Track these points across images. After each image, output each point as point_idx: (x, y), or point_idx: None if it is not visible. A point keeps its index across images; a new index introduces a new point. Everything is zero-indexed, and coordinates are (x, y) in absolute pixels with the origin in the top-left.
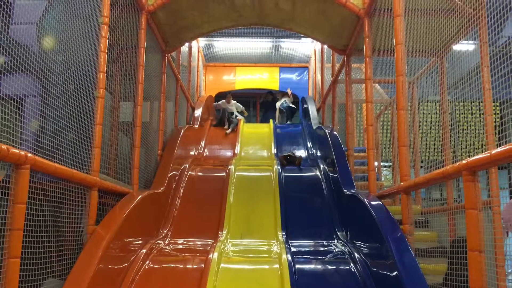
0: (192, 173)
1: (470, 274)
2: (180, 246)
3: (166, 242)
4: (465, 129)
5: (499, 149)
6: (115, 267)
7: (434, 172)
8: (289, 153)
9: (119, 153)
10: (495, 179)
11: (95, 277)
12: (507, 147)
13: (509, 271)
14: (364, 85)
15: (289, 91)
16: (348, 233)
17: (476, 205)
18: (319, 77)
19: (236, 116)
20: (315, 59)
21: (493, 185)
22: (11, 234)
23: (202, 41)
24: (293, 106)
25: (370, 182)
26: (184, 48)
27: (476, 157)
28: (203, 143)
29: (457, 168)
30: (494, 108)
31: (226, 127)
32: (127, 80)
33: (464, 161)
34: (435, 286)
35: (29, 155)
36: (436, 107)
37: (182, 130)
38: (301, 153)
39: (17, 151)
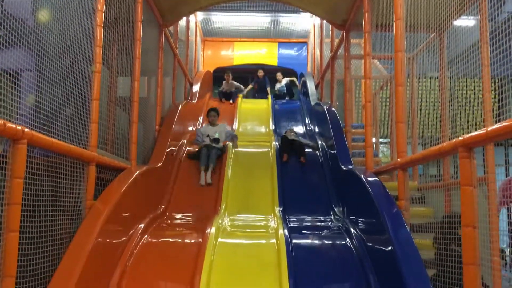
0: (190, 148)
1: (464, 249)
2: (178, 221)
3: (164, 217)
4: (463, 106)
5: (495, 126)
6: (114, 241)
7: (430, 149)
8: (294, 138)
9: (117, 128)
10: (492, 156)
11: (93, 250)
12: (503, 124)
13: (504, 246)
14: (362, 60)
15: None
16: (345, 208)
17: (471, 181)
18: (318, 52)
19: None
20: (314, 34)
21: (489, 162)
22: (10, 209)
23: (200, 15)
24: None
25: (367, 158)
26: (182, 22)
27: (472, 134)
28: (201, 118)
29: (453, 145)
30: (492, 84)
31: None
32: (124, 54)
33: (460, 138)
34: (430, 261)
35: (26, 130)
36: (435, 84)
37: (180, 106)
38: (299, 129)
39: (13, 126)
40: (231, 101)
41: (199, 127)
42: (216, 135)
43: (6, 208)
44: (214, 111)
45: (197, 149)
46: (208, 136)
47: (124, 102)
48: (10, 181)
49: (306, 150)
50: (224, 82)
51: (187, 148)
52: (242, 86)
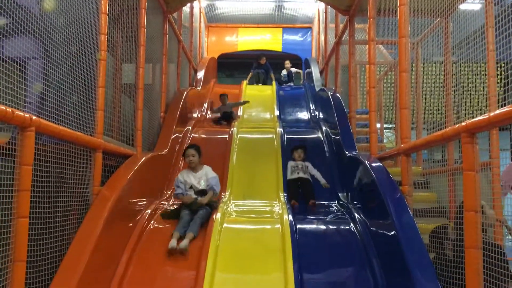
0: (195, 135)
1: (466, 233)
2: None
3: (170, 203)
4: (469, 90)
5: (497, 111)
6: (121, 227)
7: (434, 134)
8: (301, 176)
9: (122, 115)
10: (496, 141)
11: (101, 236)
12: (506, 109)
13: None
14: (367, 46)
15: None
16: (349, 194)
17: (474, 166)
18: (322, 38)
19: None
20: (319, 20)
21: (493, 147)
22: (19, 195)
23: (204, 1)
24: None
25: (371, 144)
26: (186, 8)
27: (475, 119)
28: (205, 105)
29: (456, 130)
30: (498, 69)
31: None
32: (129, 41)
33: (463, 123)
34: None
35: (34, 117)
36: (440, 69)
37: (185, 92)
38: (303, 115)
39: (22, 113)
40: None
41: (180, 174)
42: (202, 185)
43: (16, 194)
44: (193, 148)
45: (176, 206)
46: (191, 187)
47: (129, 89)
48: (19, 168)
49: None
50: (221, 107)
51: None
52: (239, 103)
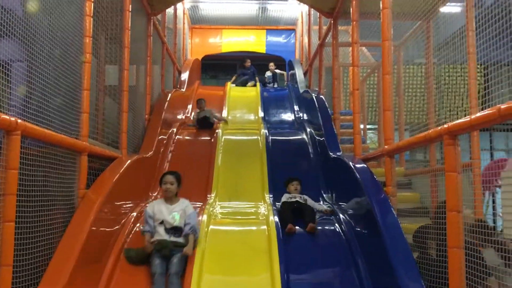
0: (180, 137)
1: (449, 233)
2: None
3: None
4: (450, 92)
5: (478, 114)
6: (107, 229)
7: (417, 136)
8: (300, 201)
9: (107, 117)
10: (477, 142)
11: (88, 239)
12: (486, 113)
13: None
14: (350, 48)
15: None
16: (334, 195)
17: (455, 167)
18: (306, 40)
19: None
20: (302, 22)
21: (474, 148)
22: (5, 199)
23: (187, 3)
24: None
25: (355, 145)
26: (170, 10)
27: (456, 121)
28: (190, 107)
29: (438, 132)
30: (479, 71)
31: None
32: (112, 43)
33: (445, 126)
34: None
35: (19, 121)
36: (421, 71)
37: (169, 94)
38: (288, 116)
39: (7, 117)
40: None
41: (148, 205)
42: (176, 221)
43: (2, 198)
44: (173, 175)
45: (145, 244)
46: (162, 222)
47: (113, 91)
48: (4, 172)
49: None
50: (195, 112)
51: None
52: (219, 117)
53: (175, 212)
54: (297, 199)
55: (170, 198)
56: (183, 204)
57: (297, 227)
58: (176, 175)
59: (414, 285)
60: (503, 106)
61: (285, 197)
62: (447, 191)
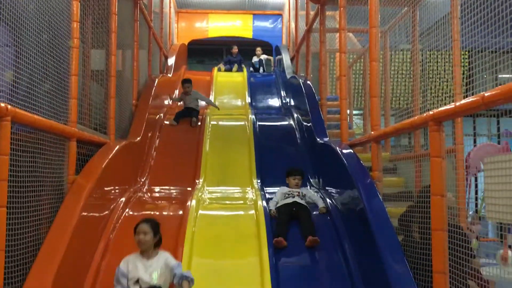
0: (166, 122)
1: (433, 216)
2: (158, 194)
3: (144, 190)
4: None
5: (463, 101)
6: (97, 215)
7: (402, 122)
8: (299, 201)
9: (94, 102)
10: (460, 129)
11: (78, 224)
12: (470, 100)
13: (470, 213)
14: (337, 34)
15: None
16: (321, 180)
17: (440, 153)
18: (293, 25)
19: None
20: (289, 7)
21: (458, 134)
22: None
23: None
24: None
25: (342, 131)
26: None
27: (441, 108)
28: (177, 92)
29: (424, 119)
30: (463, 56)
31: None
32: (99, 27)
33: (430, 112)
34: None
35: (9, 107)
36: (407, 56)
37: (156, 80)
38: (275, 102)
39: None
40: (194, 120)
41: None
42: (154, 280)
43: None
44: (148, 224)
45: None
46: (137, 282)
47: (100, 76)
48: None
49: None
50: (182, 94)
51: None
52: (210, 100)
53: (153, 270)
54: (296, 198)
55: (146, 252)
56: (163, 257)
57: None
58: (152, 224)
59: (399, 267)
60: (486, 94)
61: (281, 195)
62: (432, 176)
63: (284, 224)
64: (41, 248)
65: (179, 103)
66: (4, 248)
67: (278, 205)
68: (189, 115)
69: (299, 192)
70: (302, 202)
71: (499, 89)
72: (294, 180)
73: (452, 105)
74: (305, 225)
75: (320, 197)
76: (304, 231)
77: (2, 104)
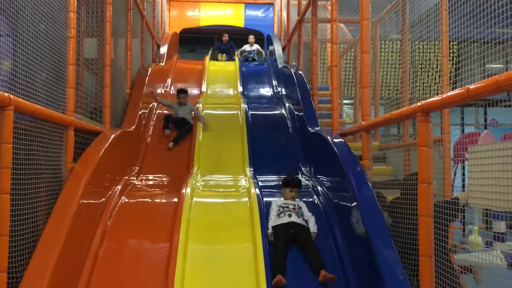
0: (160, 111)
1: (420, 203)
2: (152, 183)
3: (139, 178)
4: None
5: (449, 93)
6: (94, 202)
7: (391, 113)
8: (296, 220)
9: (87, 90)
10: (447, 120)
11: (77, 211)
12: (457, 92)
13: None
14: (329, 24)
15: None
16: (312, 168)
17: (427, 143)
18: (285, 14)
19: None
20: None
21: (445, 124)
22: (1, 172)
23: None
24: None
25: (333, 120)
26: None
27: (429, 100)
28: (169, 80)
29: (412, 109)
30: (451, 47)
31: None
32: (93, 16)
33: (419, 103)
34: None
35: (12, 96)
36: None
37: (150, 69)
38: (266, 91)
39: (2, 93)
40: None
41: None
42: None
43: None
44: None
45: None
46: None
47: (95, 65)
48: (0, 147)
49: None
50: (175, 103)
51: None
52: (201, 115)
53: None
54: (292, 217)
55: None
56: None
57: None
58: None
59: (387, 252)
60: (471, 87)
61: (275, 209)
62: (419, 164)
63: (281, 258)
64: (43, 233)
65: (163, 106)
66: (8, 233)
67: (274, 224)
68: (179, 127)
69: (294, 206)
70: (300, 221)
71: (484, 82)
72: (291, 192)
73: (439, 97)
74: (313, 255)
75: (312, 215)
76: (313, 263)
77: (6, 94)
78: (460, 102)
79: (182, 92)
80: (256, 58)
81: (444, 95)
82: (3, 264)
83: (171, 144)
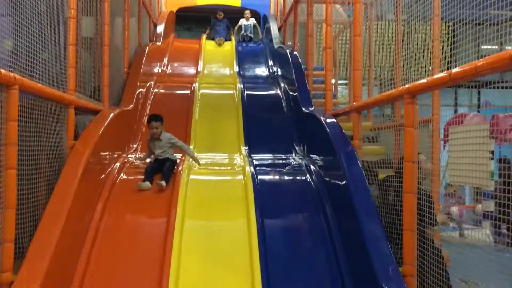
0: (157, 90)
1: (405, 181)
2: (149, 160)
3: (137, 156)
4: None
5: (435, 77)
6: (95, 179)
7: (381, 95)
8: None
9: (85, 68)
10: (437, 101)
11: (79, 186)
12: (441, 75)
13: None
14: (324, 5)
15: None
16: (305, 148)
17: (413, 123)
18: None
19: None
20: None
21: (434, 106)
22: (7, 149)
23: None
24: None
25: (326, 101)
26: None
27: (415, 83)
28: (166, 60)
29: (400, 92)
30: (445, 28)
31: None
32: None
33: (406, 86)
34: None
35: (17, 76)
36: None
37: (147, 48)
38: (262, 71)
39: (7, 73)
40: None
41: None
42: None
43: (4, 148)
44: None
45: None
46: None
47: (94, 44)
48: (6, 124)
49: None
50: (148, 140)
51: None
52: (190, 150)
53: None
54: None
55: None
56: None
57: None
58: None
59: (374, 226)
60: (453, 71)
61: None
62: (405, 144)
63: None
64: (47, 207)
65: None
66: (15, 206)
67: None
68: (159, 170)
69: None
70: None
71: (463, 67)
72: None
73: (424, 80)
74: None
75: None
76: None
77: (11, 74)
78: (444, 85)
79: (153, 119)
80: (252, 36)
81: (430, 78)
82: (11, 234)
83: (143, 185)
